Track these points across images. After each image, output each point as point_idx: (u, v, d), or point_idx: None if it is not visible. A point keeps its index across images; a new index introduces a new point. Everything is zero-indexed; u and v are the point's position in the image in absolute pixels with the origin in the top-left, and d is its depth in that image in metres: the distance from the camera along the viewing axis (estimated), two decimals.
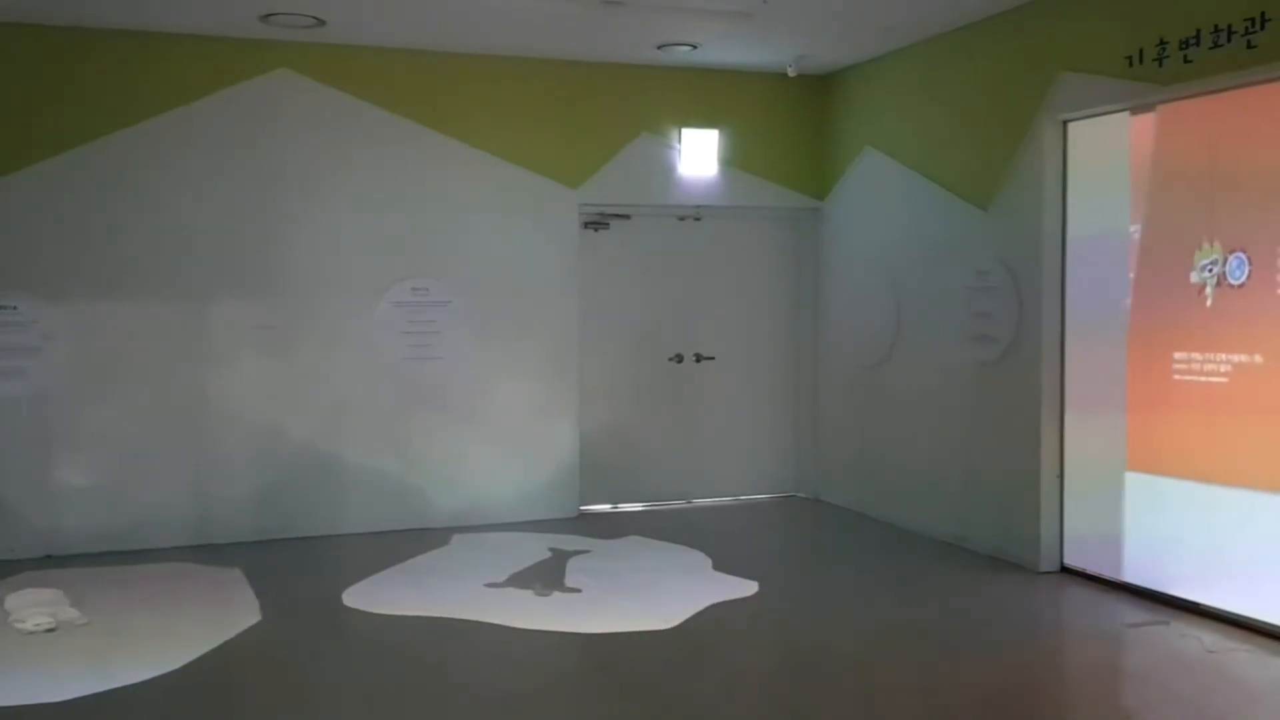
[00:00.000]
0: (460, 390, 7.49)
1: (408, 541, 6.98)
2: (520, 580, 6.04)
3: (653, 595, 5.82)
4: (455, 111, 7.44)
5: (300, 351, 7.14)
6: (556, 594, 5.81)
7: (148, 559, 6.56)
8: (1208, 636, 5.06)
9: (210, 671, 4.69)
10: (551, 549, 6.76)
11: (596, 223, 8.01)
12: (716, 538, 7.12)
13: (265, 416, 7.07)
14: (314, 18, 6.48)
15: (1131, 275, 5.83)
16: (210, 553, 6.71)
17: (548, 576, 6.14)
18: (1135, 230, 5.82)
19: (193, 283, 6.91)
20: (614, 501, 8.10)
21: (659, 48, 7.36)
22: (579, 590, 5.88)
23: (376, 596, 5.78)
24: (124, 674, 4.58)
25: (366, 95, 7.23)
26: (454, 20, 6.61)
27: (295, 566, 6.45)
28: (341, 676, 4.68)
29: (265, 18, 6.45)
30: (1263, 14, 4.93)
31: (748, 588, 5.94)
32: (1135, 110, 5.74)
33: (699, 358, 8.33)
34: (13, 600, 5.38)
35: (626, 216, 8.08)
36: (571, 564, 6.41)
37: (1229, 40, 5.09)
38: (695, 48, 7.37)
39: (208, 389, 6.96)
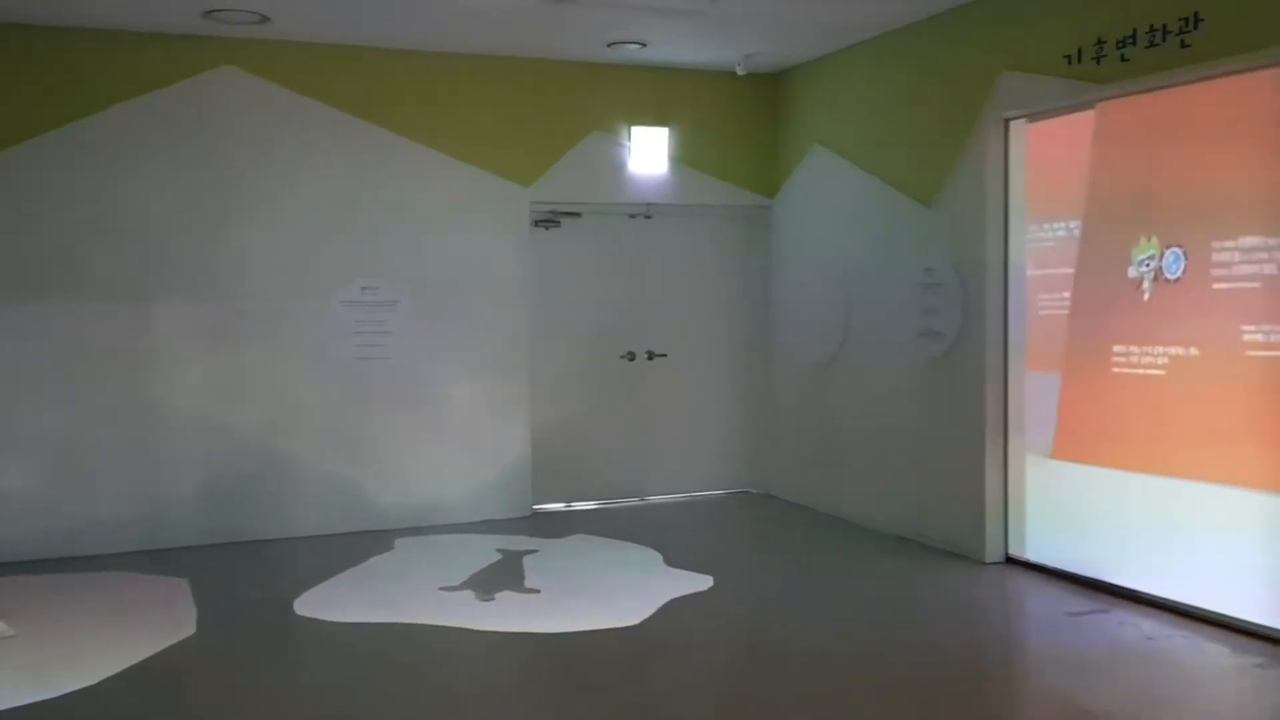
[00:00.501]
0: (411, 390, 7.46)
1: (359, 544, 6.93)
2: (477, 582, 6.02)
3: (609, 593, 5.83)
4: (405, 109, 7.40)
5: (248, 351, 7.08)
6: (513, 595, 5.80)
7: (89, 567, 6.45)
8: (1147, 623, 5.17)
9: (134, 687, 4.51)
10: (501, 550, 6.76)
11: (548, 221, 8.01)
12: (668, 534, 7.15)
13: (212, 418, 7.00)
14: (258, 14, 6.43)
15: (1073, 270, 5.94)
16: (156, 558, 6.63)
17: (503, 578, 6.13)
18: (1076, 226, 5.93)
19: (137, 281, 6.82)
20: (567, 500, 8.11)
21: (609, 46, 7.37)
22: (538, 591, 5.87)
23: (330, 603, 5.68)
24: (38, 690, 4.39)
25: (314, 92, 7.18)
26: (402, 17, 6.58)
27: (244, 572, 6.39)
28: (286, 688, 4.60)
29: (208, 14, 6.39)
30: (1196, 14, 5.03)
31: (702, 583, 5.98)
32: (1074, 108, 5.84)
33: (651, 355, 8.35)
34: None
35: (577, 214, 8.09)
36: (526, 564, 6.41)
37: (1164, 39, 5.20)
38: (645, 46, 7.39)
39: (153, 390, 6.87)
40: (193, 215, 6.94)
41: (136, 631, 5.19)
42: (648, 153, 8.00)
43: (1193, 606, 5.22)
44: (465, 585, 5.97)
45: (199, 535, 6.95)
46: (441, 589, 5.90)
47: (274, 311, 7.12)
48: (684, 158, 8.15)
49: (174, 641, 5.06)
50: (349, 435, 7.32)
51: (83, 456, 6.74)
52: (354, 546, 6.86)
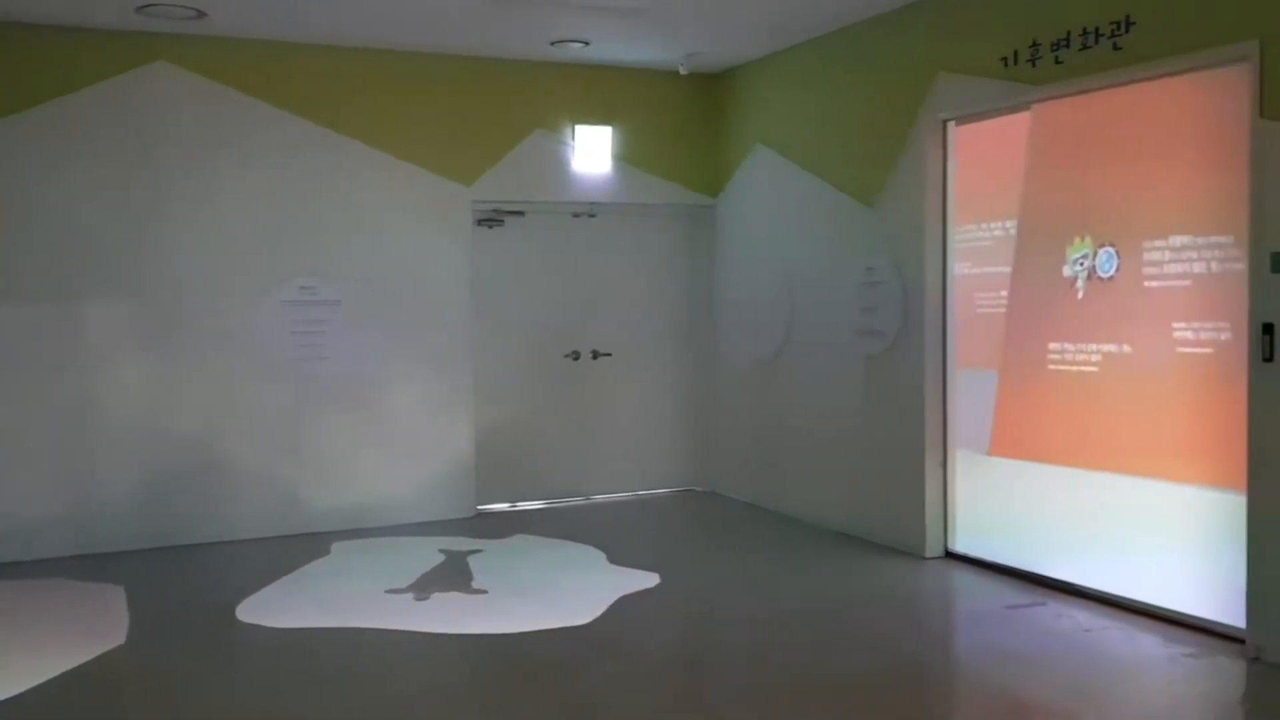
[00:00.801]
0: (352, 391, 7.39)
1: (300, 547, 6.85)
2: (423, 584, 5.98)
3: (556, 593, 5.82)
4: (344, 107, 7.33)
5: (184, 352, 6.96)
6: (461, 596, 5.77)
7: (19, 573, 6.30)
8: (1082, 616, 5.27)
9: (61, 697, 4.38)
10: (444, 550, 6.72)
11: (491, 220, 7.98)
12: (613, 533, 7.16)
13: (148, 419, 6.88)
14: (194, 9, 6.32)
15: (1009, 269, 6.04)
16: (91, 563, 6.50)
17: (450, 579, 6.10)
18: (1012, 225, 6.03)
19: (68, 281, 6.69)
20: (511, 500, 8.08)
21: (552, 44, 7.36)
22: (485, 591, 5.84)
23: (274, 608, 5.58)
24: None
25: (252, 90, 7.08)
26: (341, 14, 6.51)
27: (182, 577, 6.27)
28: (226, 696, 4.51)
29: (141, 9, 6.27)
30: (1128, 17, 5.14)
31: (649, 580, 5.99)
32: (1010, 110, 5.93)
33: (596, 354, 8.35)
34: None
35: (521, 213, 8.07)
36: (471, 565, 6.38)
37: (1096, 42, 5.30)
38: (588, 44, 7.38)
39: (87, 391, 6.74)
40: (126, 214, 6.82)
41: (68, 639, 5.07)
42: (591, 152, 8.00)
43: (1127, 599, 5.33)
44: (412, 587, 5.93)
45: (134, 539, 6.83)
46: (388, 591, 5.85)
47: (211, 312, 7.02)
48: (628, 157, 8.16)
49: (106, 649, 4.94)
50: (289, 436, 7.23)
51: (13, 459, 6.59)
52: (295, 549, 6.77)
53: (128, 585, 6.00)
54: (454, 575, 6.16)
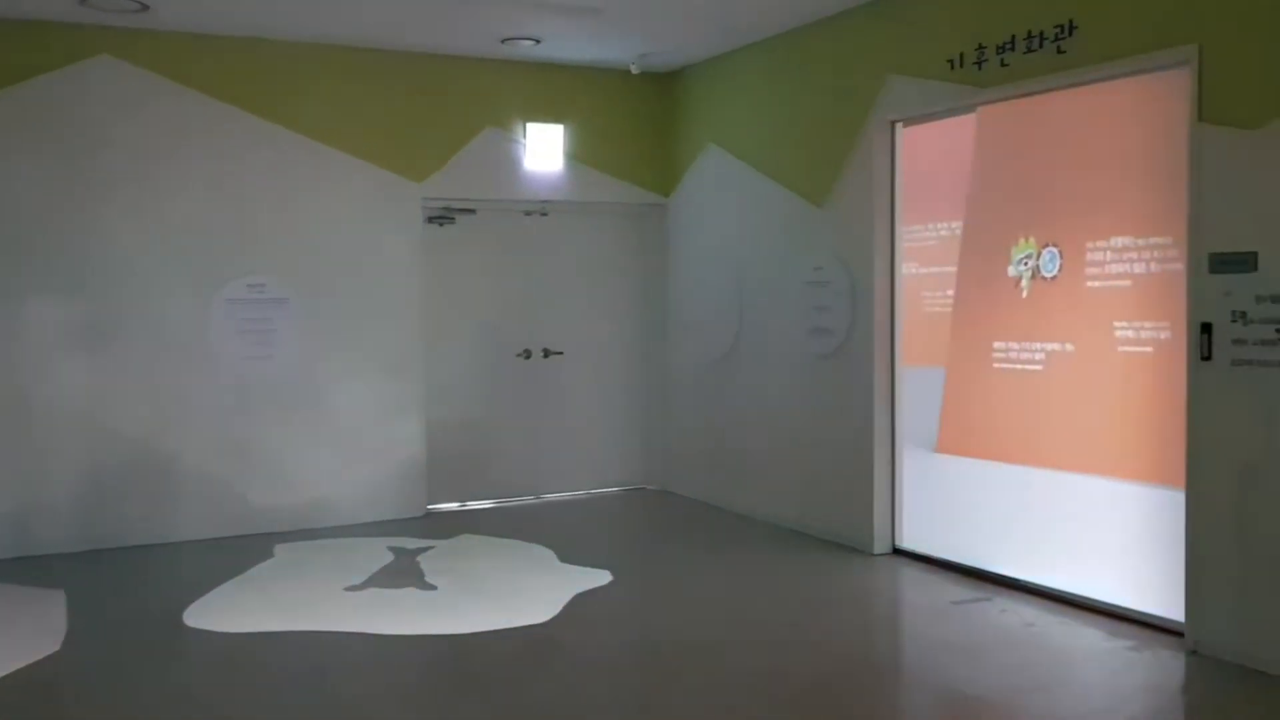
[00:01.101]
0: (300, 389, 7.32)
1: (248, 548, 6.77)
2: (376, 584, 5.94)
3: (506, 592, 5.81)
4: (294, 103, 7.25)
5: (127, 350, 6.85)
6: (415, 594, 5.74)
7: None
8: (1027, 611, 5.35)
9: None
10: (393, 548, 6.68)
11: (441, 217, 7.93)
12: (563, 531, 7.16)
13: (91, 419, 6.77)
14: (138, 2, 6.22)
15: (955, 269, 6.12)
16: (31, 566, 6.37)
17: (401, 579, 6.06)
18: (958, 226, 6.10)
19: (7, 278, 6.55)
20: (462, 499, 8.05)
21: (503, 42, 7.33)
22: (434, 588, 5.82)
23: (222, 611, 5.48)
24: None
25: (197, 84, 6.99)
26: (288, 8, 6.45)
27: (127, 581, 6.16)
28: (173, 704, 4.46)
29: (84, 1, 6.17)
30: (1071, 21, 5.22)
31: (601, 578, 6.00)
32: (957, 111, 6.01)
33: (547, 353, 8.34)
34: None
35: (472, 211, 8.03)
36: (422, 564, 6.35)
37: (1041, 46, 5.38)
38: (539, 42, 7.37)
39: (25, 390, 6.61)
40: (69, 211, 6.69)
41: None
42: (543, 150, 7.98)
43: (1070, 593, 5.43)
44: (365, 586, 5.89)
45: (75, 541, 6.71)
46: (346, 589, 5.82)
47: (156, 309, 6.91)
48: (580, 155, 8.15)
49: (38, 657, 4.81)
50: (235, 436, 7.15)
51: None
52: (242, 550, 6.69)
53: (67, 589, 5.89)
54: (405, 574, 6.12)
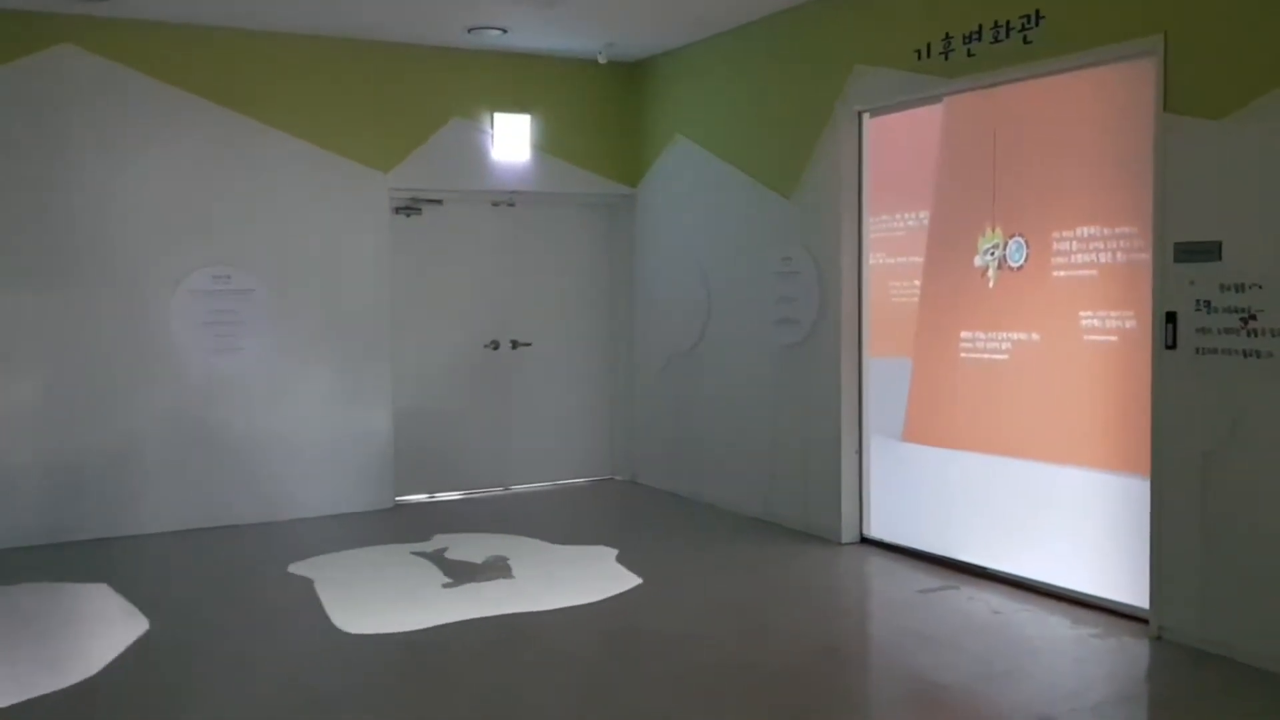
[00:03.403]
0: (267, 381, 7.24)
1: (218, 540, 6.70)
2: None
3: (470, 583, 5.79)
4: (258, 92, 7.16)
5: (92, 342, 6.75)
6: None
7: None
8: (993, 598, 5.38)
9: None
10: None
11: (409, 208, 7.87)
12: (532, 522, 7.13)
13: (54, 411, 6.66)
14: None
15: (922, 259, 6.14)
16: (16, 557, 6.31)
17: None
18: (925, 217, 6.12)
19: None
20: (430, 491, 8.00)
21: (469, 31, 7.28)
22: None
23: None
24: None
25: (162, 74, 6.88)
26: None
27: (88, 574, 6.10)
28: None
29: None
30: (1037, 12, 5.24)
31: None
32: (923, 102, 6.02)
33: (515, 344, 8.30)
34: None
35: (439, 202, 7.97)
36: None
37: (1007, 36, 5.40)
38: (505, 32, 7.32)
39: None
40: (31, 201, 6.58)
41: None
42: (510, 140, 7.93)
43: (1036, 581, 5.46)
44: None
45: (36, 535, 6.62)
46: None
47: (120, 300, 6.82)
48: (547, 145, 8.11)
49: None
50: (200, 428, 7.06)
51: None
52: (211, 543, 6.63)
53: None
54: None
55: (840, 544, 6.45)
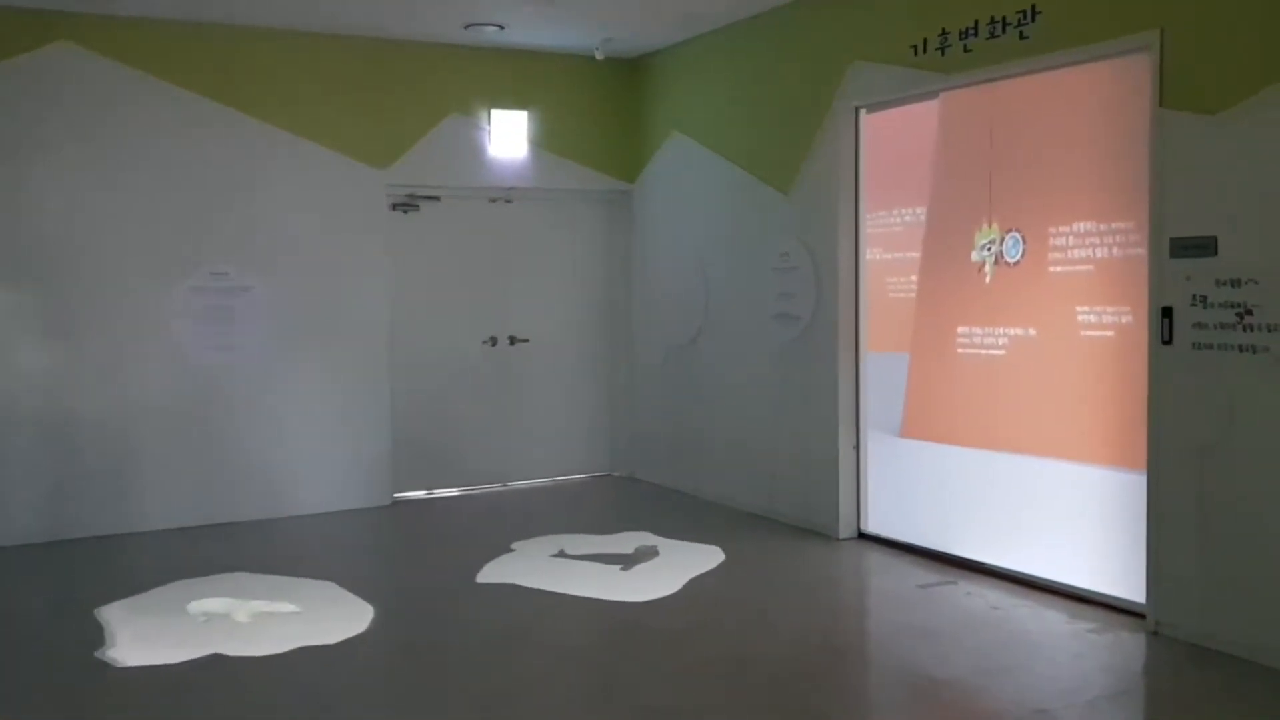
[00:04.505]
0: (265, 378, 7.24)
1: (211, 539, 6.71)
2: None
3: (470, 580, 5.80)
4: (257, 89, 7.16)
5: (90, 340, 6.75)
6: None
7: None
8: (991, 594, 5.39)
9: None
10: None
11: (406, 204, 7.87)
12: (530, 518, 7.13)
13: (53, 409, 6.66)
14: None
15: (918, 255, 6.14)
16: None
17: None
18: (922, 212, 6.12)
19: None
20: (429, 487, 8.01)
21: (466, 27, 7.27)
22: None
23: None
24: None
25: (160, 71, 6.88)
26: None
27: (83, 573, 6.11)
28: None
29: None
30: (1034, 7, 5.24)
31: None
32: (920, 98, 6.02)
33: (513, 340, 8.30)
34: None
35: (436, 198, 7.97)
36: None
37: (1004, 31, 5.40)
38: (503, 28, 7.31)
39: None
40: (27, 198, 6.58)
41: None
42: (508, 136, 7.93)
43: (1034, 576, 5.47)
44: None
45: (35, 533, 6.62)
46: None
47: (118, 298, 6.82)
48: (544, 142, 8.10)
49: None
50: (199, 425, 7.06)
51: None
52: (211, 540, 6.64)
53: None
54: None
55: (838, 539, 6.46)
